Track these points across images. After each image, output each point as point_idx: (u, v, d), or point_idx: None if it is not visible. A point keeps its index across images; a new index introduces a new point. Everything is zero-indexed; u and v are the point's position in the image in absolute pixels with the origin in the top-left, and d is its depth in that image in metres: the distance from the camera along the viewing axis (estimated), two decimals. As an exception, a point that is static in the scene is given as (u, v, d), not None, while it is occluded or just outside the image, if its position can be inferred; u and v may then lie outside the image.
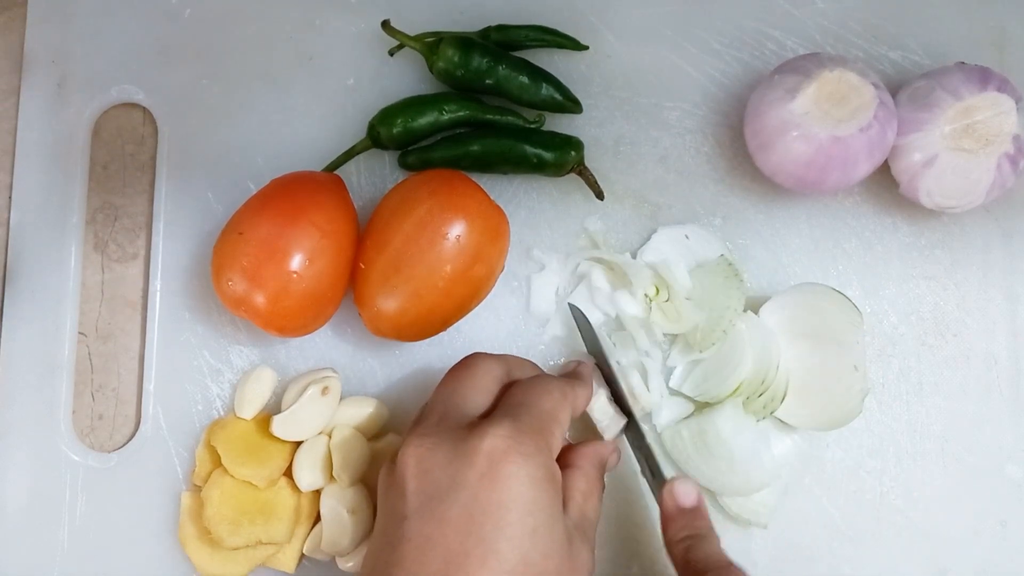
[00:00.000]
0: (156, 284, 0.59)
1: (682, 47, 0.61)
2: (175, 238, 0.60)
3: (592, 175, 0.58)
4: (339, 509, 0.55)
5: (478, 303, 0.56)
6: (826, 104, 0.53)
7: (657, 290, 0.57)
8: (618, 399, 0.54)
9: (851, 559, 0.57)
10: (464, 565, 0.41)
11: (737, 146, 0.60)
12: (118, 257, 0.61)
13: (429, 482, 0.43)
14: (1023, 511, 0.57)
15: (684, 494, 0.49)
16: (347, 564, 0.55)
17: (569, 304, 0.57)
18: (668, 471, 0.51)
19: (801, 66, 0.55)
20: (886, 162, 0.56)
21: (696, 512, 0.49)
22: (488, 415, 0.46)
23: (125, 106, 0.62)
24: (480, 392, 0.47)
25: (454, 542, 0.41)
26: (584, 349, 0.57)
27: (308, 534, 0.55)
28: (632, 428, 0.54)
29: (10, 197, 0.61)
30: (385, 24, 0.58)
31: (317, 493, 0.55)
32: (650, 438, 0.54)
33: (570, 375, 0.52)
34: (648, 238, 0.59)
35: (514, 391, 0.47)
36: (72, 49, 0.62)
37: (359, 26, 0.61)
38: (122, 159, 0.62)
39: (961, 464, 0.57)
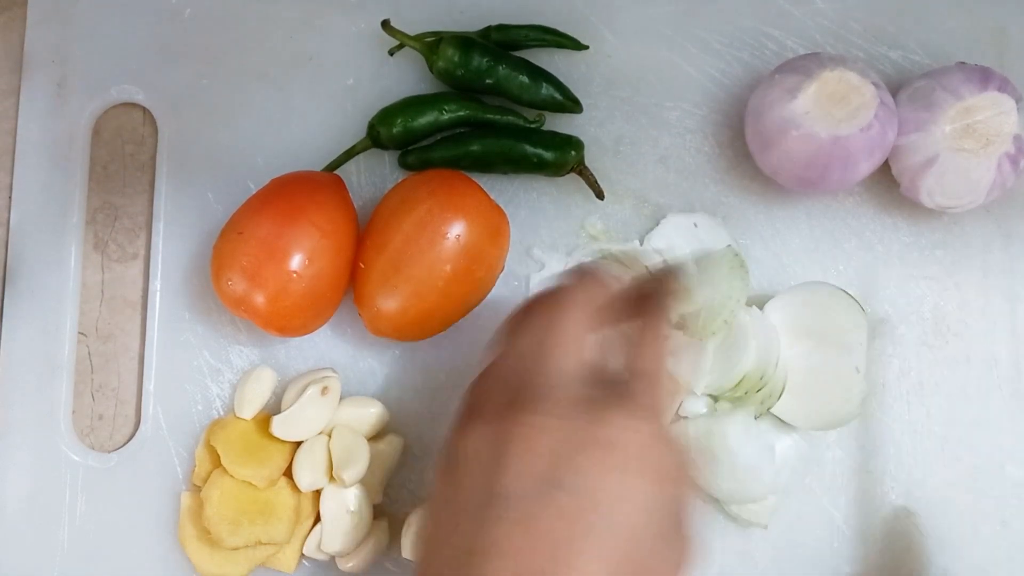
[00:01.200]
0: (156, 284, 0.59)
1: (682, 47, 0.61)
2: (175, 238, 0.60)
3: (592, 175, 0.58)
4: (339, 509, 0.55)
5: (478, 303, 0.56)
6: (827, 104, 0.53)
7: None
8: None
9: (852, 559, 0.57)
10: (572, 558, 0.37)
11: (737, 146, 0.60)
12: (118, 257, 0.61)
13: (542, 464, 0.39)
14: (1023, 511, 0.57)
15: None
16: (347, 564, 0.55)
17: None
18: None
19: (801, 66, 0.55)
20: (886, 162, 0.56)
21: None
22: (612, 388, 0.41)
23: (125, 106, 0.62)
24: (581, 350, 0.42)
25: (562, 531, 0.37)
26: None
27: (308, 534, 0.55)
28: None
29: (10, 197, 0.61)
30: (385, 24, 0.58)
31: (317, 493, 0.55)
32: None
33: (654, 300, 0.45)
34: (654, 228, 0.59)
35: (640, 350, 0.42)
36: (72, 49, 0.62)
37: (359, 26, 0.61)
38: (122, 159, 0.62)
39: (961, 464, 0.57)
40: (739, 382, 0.55)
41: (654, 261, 0.56)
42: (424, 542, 0.42)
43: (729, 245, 0.57)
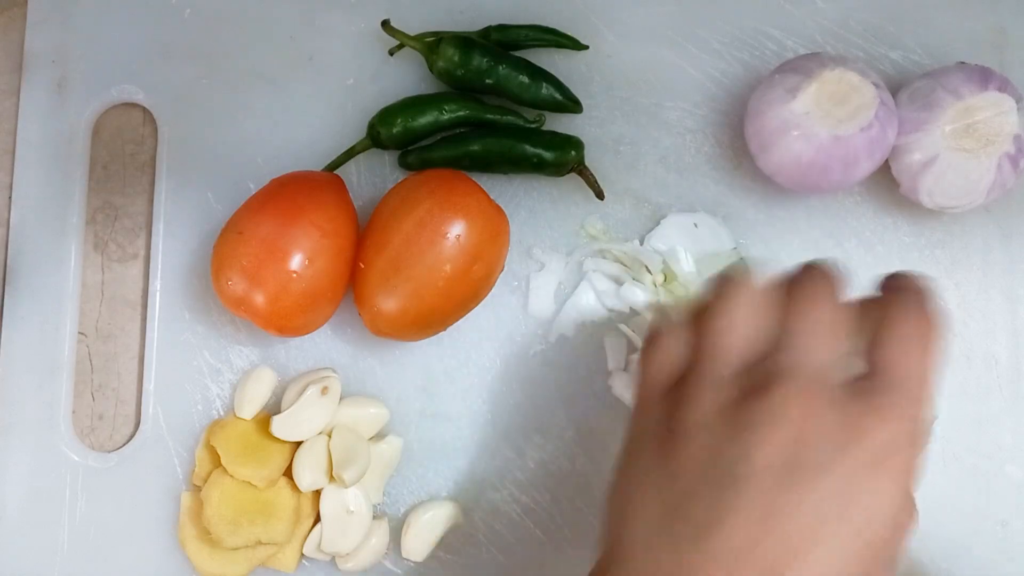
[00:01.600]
0: (156, 284, 0.59)
1: (682, 47, 0.61)
2: (175, 238, 0.60)
3: (592, 175, 0.58)
4: (339, 509, 0.55)
5: (478, 303, 0.56)
6: (827, 104, 0.53)
7: (666, 276, 0.57)
8: None
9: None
10: (807, 566, 0.35)
11: (737, 146, 0.60)
12: (118, 257, 0.61)
13: (791, 452, 0.36)
14: (1023, 511, 0.57)
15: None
16: (347, 564, 0.55)
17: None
18: None
19: (801, 66, 0.55)
20: (886, 162, 0.56)
21: None
22: (877, 380, 0.38)
23: (125, 106, 0.62)
24: (835, 339, 0.39)
25: (806, 527, 0.35)
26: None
27: (308, 534, 0.55)
28: None
29: (10, 197, 0.61)
30: (385, 24, 0.58)
31: (317, 493, 0.55)
32: None
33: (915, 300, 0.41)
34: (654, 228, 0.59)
35: (891, 344, 0.39)
36: (72, 49, 0.62)
37: (359, 26, 0.61)
38: (122, 159, 0.62)
39: (961, 464, 0.57)
40: None
41: (654, 261, 0.56)
42: (631, 515, 0.39)
43: (735, 247, 0.57)
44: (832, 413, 0.37)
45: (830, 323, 0.40)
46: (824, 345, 0.39)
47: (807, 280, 0.42)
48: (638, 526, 0.38)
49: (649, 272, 0.57)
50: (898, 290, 0.42)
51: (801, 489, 0.35)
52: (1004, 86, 0.54)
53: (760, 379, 0.38)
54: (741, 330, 0.40)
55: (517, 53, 0.59)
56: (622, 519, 0.39)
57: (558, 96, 0.58)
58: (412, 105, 0.58)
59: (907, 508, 0.38)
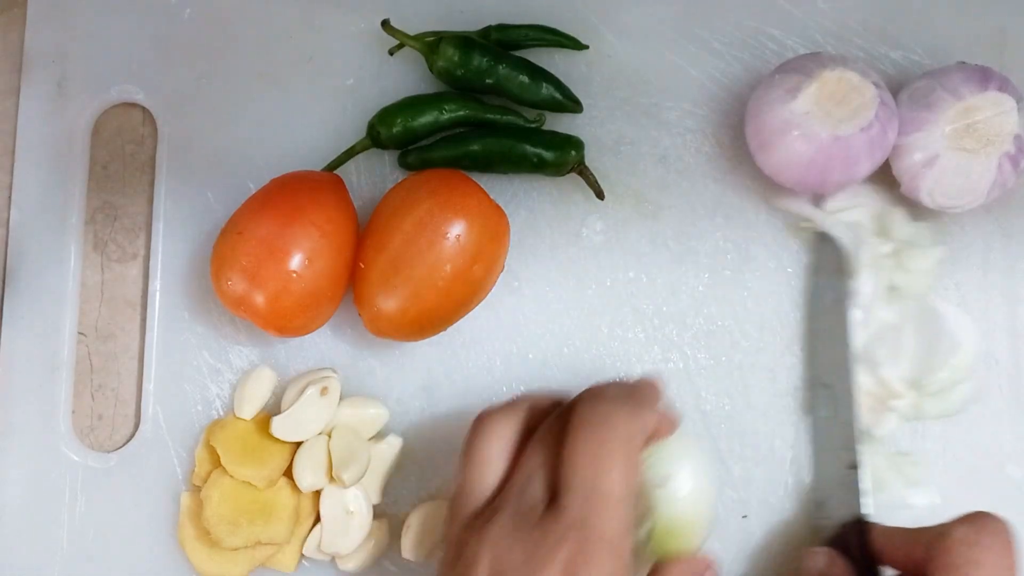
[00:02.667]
0: (156, 284, 0.59)
1: (682, 47, 0.61)
2: (175, 238, 0.60)
3: (592, 175, 0.58)
4: (339, 510, 0.55)
5: (478, 303, 0.56)
6: (827, 104, 0.53)
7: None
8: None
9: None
10: None
11: (737, 146, 0.60)
12: (118, 257, 0.61)
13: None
14: (1023, 511, 0.57)
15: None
16: (347, 564, 0.55)
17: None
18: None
19: (802, 66, 0.54)
20: (887, 162, 0.56)
21: None
22: (555, 494, 0.43)
23: (125, 106, 0.62)
24: (544, 476, 0.44)
25: None
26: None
27: (308, 534, 0.55)
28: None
29: (10, 197, 0.61)
30: (385, 24, 0.58)
31: (317, 493, 0.55)
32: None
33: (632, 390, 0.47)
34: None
35: (574, 459, 0.43)
36: (72, 49, 0.62)
37: (359, 26, 0.61)
38: (122, 159, 0.62)
39: (961, 464, 0.57)
40: (942, 375, 0.56)
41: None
42: None
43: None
44: (519, 546, 0.41)
45: (539, 460, 0.44)
46: (531, 483, 0.43)
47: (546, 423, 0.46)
48: None
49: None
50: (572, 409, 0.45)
51: None
52: (1004, 86, 0.54)
53: (477, 522, 0.43)
54: (479, 484, 0.46)
55: (517, 53, 0.59)
56: None
57: (558, 96, 0.58)
58: (412, 105, 0.58)
59: None
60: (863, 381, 0.55)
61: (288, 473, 0.55)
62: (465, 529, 0.44)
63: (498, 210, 0.54)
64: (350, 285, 0.55)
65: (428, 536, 0.55)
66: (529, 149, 0.57)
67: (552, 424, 0.46)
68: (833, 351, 0.52)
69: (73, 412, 0.59)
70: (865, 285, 0.56)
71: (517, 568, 0.41)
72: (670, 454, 0.47)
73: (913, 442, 0.57)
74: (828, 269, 0.55)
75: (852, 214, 0.58)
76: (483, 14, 0.60)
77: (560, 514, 0.42)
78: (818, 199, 0.59)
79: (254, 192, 0.56)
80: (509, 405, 0.48)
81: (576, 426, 0.44)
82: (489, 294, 0.56)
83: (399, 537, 0.55)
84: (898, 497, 0.55)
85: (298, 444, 0.55)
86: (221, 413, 0.58)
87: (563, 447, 0.43)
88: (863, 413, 0.55)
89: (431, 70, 0.58)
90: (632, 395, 0.46)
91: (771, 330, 0.59)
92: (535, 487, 0.43)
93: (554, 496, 0.43)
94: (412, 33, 0.59)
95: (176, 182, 0.60)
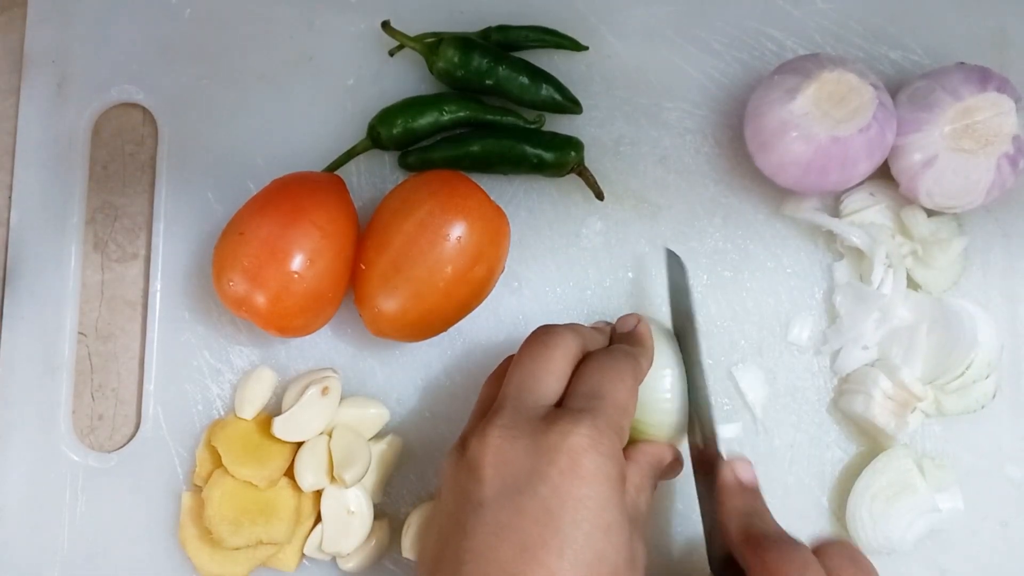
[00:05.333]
0: (156, 284, 0.59)
1: (682, 47, 0.61)
2: (175, 238, 0.60)
3: (592, 175, 0.58)
4: (340, 509, 0.55)
5: (478, 304, 0.56)
6: (826, 104, 0.53)
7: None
8: (687, 365, 0.52)
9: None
10: (539, 554, 0.41)
11: (737, 146, 0.60)
12: (118, 257, 0.61)
13: (508, 472, 0.43)
14: (1023, 511, 0.57)
15: (745, 472, 0.49)
16: (347, 564, 0.55)
17: (667, 250, 0.56)
18: (723, 446, 0.50)
19: (801, 66, 0.55)
20: (886, 162, 0.56)
21: (755, 491, 0.49)
22: (564, 400, 0.46)
23: (125, 106, 0.62)
24: (556, 376, 0.47)
25: (532, 531, 0.41)
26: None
27: (309, 534, 0.55)
28: (693, 389, 0.52)
29: (10, 197, 0.61)
30: (385, 24, 0.58)
31: (318, 493, 0.55)
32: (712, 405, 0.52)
33: (632, 340, 0.51)
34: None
35: (590, 374, 0.47)
36: (72, 49, 0.62)
37: (359, 26, 0.61)
38: (122, 159, 0.62)
39: (961, 464, 0.57)
40: (963, 373, 0.56)
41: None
42: (422, 555, 0.47)
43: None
44: (524, 440, 0.44)
45: (543, 367, 0.47)
46: (532, 386, 0.46)
47: (539, 332, 0.49)
48: (426, 557, 0.46)
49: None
50: (621, 336, 0.52)
51: (518, 506, 0.42)
52: (1003, 86, 0.54)
53: (489, 420, 0.45)
54: (490, 387, 0.50)
55: (517, 54, 0.59)
56: (419, 554, 0.48)
57: (558, 97, 0.58)
58: (412, 106, 0.58)
59: (614, 504, 0.43)
60: (883, 385, 0.55)
61: (289, 473, 0.55)
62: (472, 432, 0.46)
63: (498, 211, 0.54)
64: (351, 286, 0.55)
65: (428, 536, 0.55)
66: (529, 150, 0.57)
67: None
68: (693, 371, 0.52)
69: (73, 412, 0.59)
70: (884, 286, 0.56)
71: (520, 458, 0.43)
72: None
73: (913, 441, 0.58)
74: (677, 287, 0.55)
75: (868, 214, 0.58)
76: (483, 15, 0.60)
77: (564, 410, 0.45)
78: (830, 201, 0.59)
79: (255, 192, 0.56)
80: (574, 330, 0.50)
81: (590, 356, 0.48)
82: (489, 295, 0.56)
83: (399, 537, 0.55)
84: (926, 501, 0.55)
85: (299, 444, 0.56)
86: (222, 413, 0.58)
87: (576, 369, 0.47)
88: (883, 416, 0.55)
89: (431, 71, 0.58)
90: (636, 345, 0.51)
91: (770, 330, 0.59)
92: (538, 391, 0.46)
93: (562, 401, 0.46)
94: (412, 34, 0.59)
95: (176, 182, 0.60)
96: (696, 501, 0.51)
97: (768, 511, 0.48)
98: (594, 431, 0.43)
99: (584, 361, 0.48)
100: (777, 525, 0.47)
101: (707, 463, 0.50)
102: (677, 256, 0.56)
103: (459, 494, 0.44)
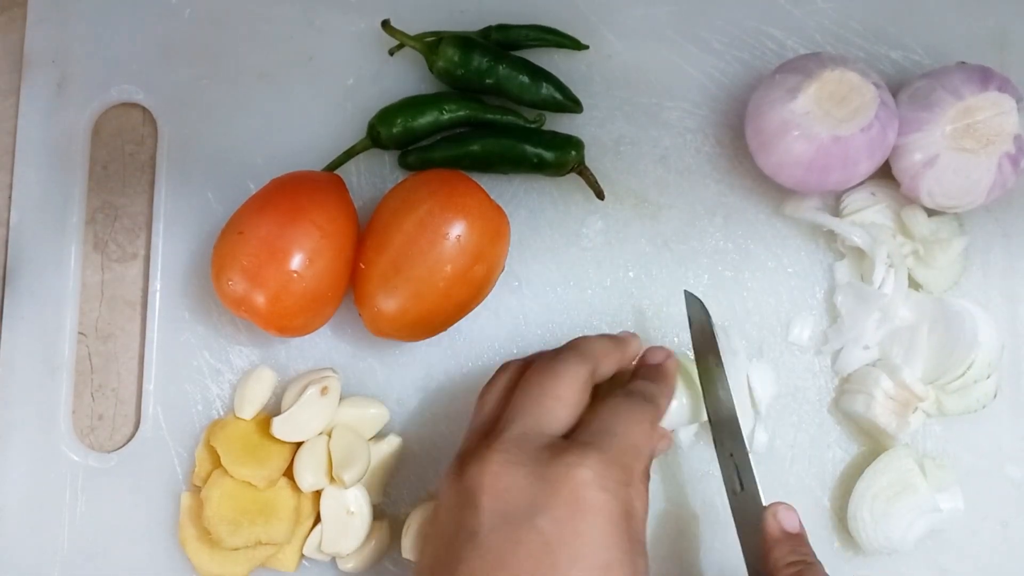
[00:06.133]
0: (156, 284, 0.59)
1: (682, 47, 0.61)
2: (175, 238, 0.60)
3: (592, 175, 0.58)
4: (339, 510, 0.55)
5: (478, 303, 0.56)
6: (827, 104, 0.53)
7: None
8: (715, 410, 0.52)
9: (853, 561, 0.57)
10: None
11: (737, 146, 0.60)
12: (118, 257, 0.61)
13: (506, 501, 0.42)
14: (1023, 511, 0.57)
15: (789, 519, 0.48)
16: (347, 565, 0.55)
17: (686, 292, 0.55)
18: (762, 496, 0.50)
19: (802, 66, 0.54)
20: (887, 162, 0.56)
21: (800, 538, 0.48)
22: (573, 433, 0.45)
23: (125, 106, 0.62)
24: (563, 404, 0.46)
25: (526, 566, 0.40)
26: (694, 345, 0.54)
27: (308, 534, 0.55)
28: (726, 433, 0.51)
29: (10, 197, 0.61)
30: (385, 24, 0.58)
31: (317, 493, 0.55)
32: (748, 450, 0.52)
33: (656, 375, 0.50)
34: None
35: (603, 414, 0.46)
36: (72, 49, 0.62)
37: (359, 26, 0.61)
38: (122, 159, 0.62)
39: (961, 464, 0.57)
40: (964, 373, 0.56)
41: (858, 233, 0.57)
42: (416, 569, 0.46)
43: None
44: (526, 469, 0.42)
45: (550, 394, 0.46)
46: (538, 414, 0.45)
47: (541, 358, 0.48)
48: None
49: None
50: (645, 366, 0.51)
51: (514, 538, 0.41)
52: (1004, 86, 0.54)
53: (490, 443, 0.44)
54: (491, 404, 0.48)
55: (517, 53, 0.59)
56: (415, 572, 0.48)
57: (558, 96, 0.58)
58: (412, 105, 0.58)
59: (615, 543, 0.42)
60: (884, 385, 0.55)
61: (288, 473, 0.55)
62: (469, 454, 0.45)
63: (498, 210, 0.54)
64: (350, 285, 0.55)
65: (428, 536, 0.55)
66: (529, 149, 0.57)
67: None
68: (723, 418, 0.52)
69: (73, 412, 0.59)
70: (885, 286, 0.56)
71: (520, 488, 0.42)
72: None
73: (913, 441, 0.57)
74: (701, 330, 0.54)
75: (869, 214, 0.58)
76: (483, 14, 0.60)
77: (571, 442, 0.44)
78: (831, 200, 0.59)
79: (254, 192, 0.56)
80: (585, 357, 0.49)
81: (608, 397, 0.47)
82: (489, 294, 0.56)
83: (399, 537, 0.55)
84: (927, 501, 0.55)
85: (298, 444, 0.55)
86: (221, 413, 0.58)
87: (590, 405, 0.46)
88: (884, 416, 0.55)
89: (431, 70, 0.58)
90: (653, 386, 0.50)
91: (771, 330, 0.59)
92: (544, 419, 0.45)
93: (573, 433, 0.45)
94: (412, 33, 0.59)
95: (176, 182, 0.60)
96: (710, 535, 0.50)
97: (816, 559, 0.47)
98: (600, 466, 0.42)
99: (600, 399, 0.47)
100: (826, 574, 0.46)
101: (746, 508, 0.49)
102: (697, 298, 0.55)
103: (455, 519, 0.43)
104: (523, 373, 0.48)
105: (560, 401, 0.45)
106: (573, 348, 0.49)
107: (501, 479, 0.42)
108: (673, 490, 0.57)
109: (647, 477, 0.47)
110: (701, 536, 0.57)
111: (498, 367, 0.51)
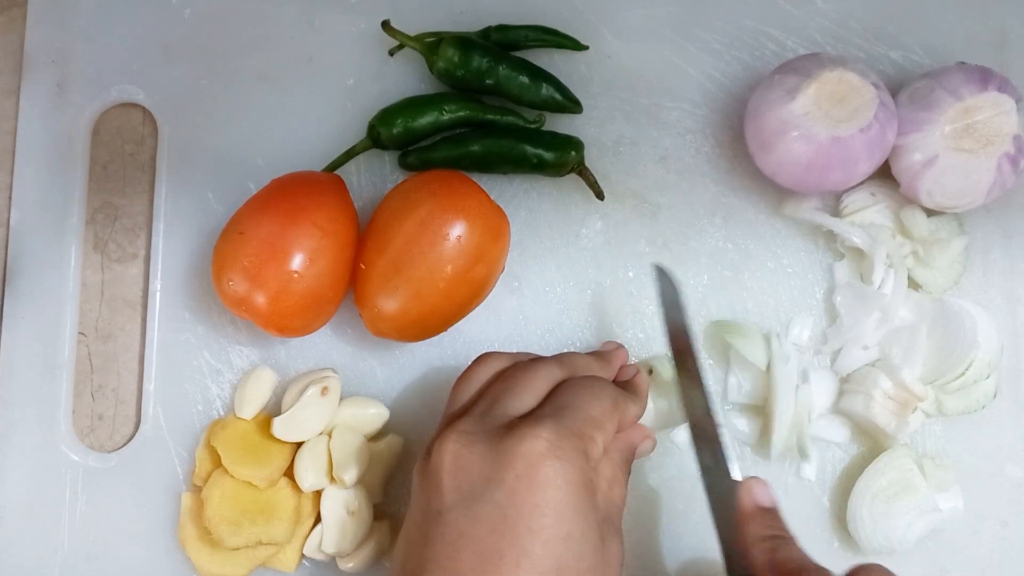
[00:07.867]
0: (156, 284, 0.59)
1: (682, 47, 0.61)
2: (175, 238, 0.60)
3: (592, 175, 0.58)
4: (339, 509, 0.55)
5: (478, 304, 0.56)
6: (826, 104, 0.53)
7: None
8: (686, 385, 0.51)
9: (852, 561, 0.57)
10: (498, 565, 0.40)
11: (737, 146, 0.60)
12: (118, 257, 0.61)
13: (465, 479, 0.43)
14: (1023, 511, 0.57)
15: (762, 494, 0.48)
16: (347, 564, 0.55)
17: (655, 266, 0.54)
18: (737, 471, 0.49)
19: (801, 66, 0.55)
20: (886, 162, 0.56)
21: (774, 512, 0.47)
22: (533, 413, 0.45)
23: (125, 106, 0.62)
24: (531, 392, 0.46)
25: (488, 541, 0.41)
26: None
27: (308, 534, 0.55)
28: (700, 419, 0.51)
29: (10, 197, 0.61)
30: (385, 24, 0.58)
31: (317, 493, 0.55)
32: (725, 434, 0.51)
33: (628, 386, 0.51)
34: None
35: (563, 389, 0.47)
36: (72, 49, 0.62)
37: (359, 26, 0.61)
38: (122, 159, 0.62)
39: (961, 464, 0.57)
40: (965, 371, 0.56)
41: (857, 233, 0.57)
42: (392, 562, 0.46)
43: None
44: (482, 446, 0.43)
45: (522, 383, 0.47)
46: (505, 399, 0.46)
47: (522, 361, 0.49)
48: (395, 564, 0.46)
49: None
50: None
51: (474, 514, 0.42)
52: (1004, 86, 0.54)
53: (450, 426, 0.45)
54: (466, 395, 0.49)
55: (517, 54, 0.59)
56: (391, 561, 0.48)
57: (558, 96, 0.58)
58: (412, 105, 0.58)
59: (575, 513, 0.42)
60: (883, 385, 0.55)
61: (289, 473, 0.55)
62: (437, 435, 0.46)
63: (498, 211, 0.54)
64: (351, 285, 0.55)
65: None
66: (529, 150, 0.57)
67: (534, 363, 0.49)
68: (695, 392, 0.51)
69: (73, 412, 0.59)
70: (884, 286, 0.56)
71: (476, 465, 0.43)
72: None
73: (913, 442, 0.58)
74: (669, 303, 0.53)
75: (869, 214, 0.58)
76: (483, 15, 0.60)
77: (528, 417, 0.44)
78: (830, 200, 0.59)
79: (255, 192, 0.56)
80: (508, 353, 0.51)
81: (570, 378, 0.48)
82: (489, 295, 0.56)
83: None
84: (927, 501, 0.55)
85: (299, 444, 0.56)
86: (222, 413, 0.58)
87: (555, 388, 0.47)
88: (884, 416, 0.55)
89: (431, 71, 0.58)
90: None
91: (771, 330, 0.58)
92: (510, 403, 0.46)
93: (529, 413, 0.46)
94: (412, 34, 0.59)
95: (176, 182, 0.60)
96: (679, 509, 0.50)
97: (791, 534, 0.46)
98: (554, 435, 0.43)
99: (564, 381, 0.48)
100: (802, 550, 0.45)
101: (719, 484, 0.49)
102: (667, 271, 0.53)
103: (423, 502, 0.44)
104: (502, 373, 0.49)
105: (528, 390, 0.46)
106: (556, 357, 0.50)
107: (460, 458, 0.43)
108: (672, 490, 0.57)
109: (625, 466, 0.47)
110: (685, 525, 0.57)
111: (475, 358, 0.51)
